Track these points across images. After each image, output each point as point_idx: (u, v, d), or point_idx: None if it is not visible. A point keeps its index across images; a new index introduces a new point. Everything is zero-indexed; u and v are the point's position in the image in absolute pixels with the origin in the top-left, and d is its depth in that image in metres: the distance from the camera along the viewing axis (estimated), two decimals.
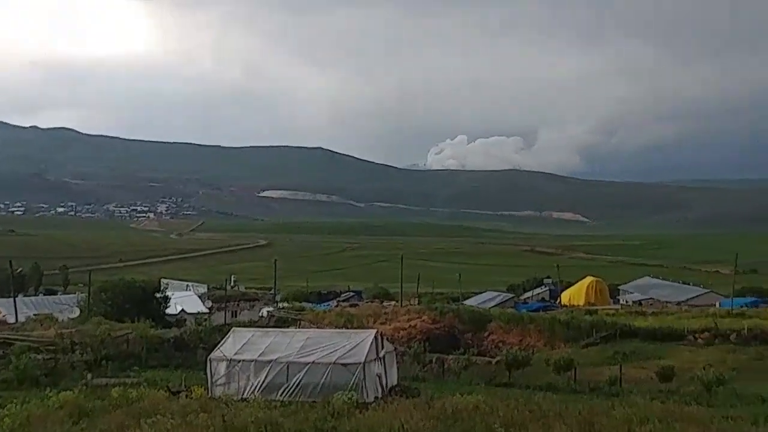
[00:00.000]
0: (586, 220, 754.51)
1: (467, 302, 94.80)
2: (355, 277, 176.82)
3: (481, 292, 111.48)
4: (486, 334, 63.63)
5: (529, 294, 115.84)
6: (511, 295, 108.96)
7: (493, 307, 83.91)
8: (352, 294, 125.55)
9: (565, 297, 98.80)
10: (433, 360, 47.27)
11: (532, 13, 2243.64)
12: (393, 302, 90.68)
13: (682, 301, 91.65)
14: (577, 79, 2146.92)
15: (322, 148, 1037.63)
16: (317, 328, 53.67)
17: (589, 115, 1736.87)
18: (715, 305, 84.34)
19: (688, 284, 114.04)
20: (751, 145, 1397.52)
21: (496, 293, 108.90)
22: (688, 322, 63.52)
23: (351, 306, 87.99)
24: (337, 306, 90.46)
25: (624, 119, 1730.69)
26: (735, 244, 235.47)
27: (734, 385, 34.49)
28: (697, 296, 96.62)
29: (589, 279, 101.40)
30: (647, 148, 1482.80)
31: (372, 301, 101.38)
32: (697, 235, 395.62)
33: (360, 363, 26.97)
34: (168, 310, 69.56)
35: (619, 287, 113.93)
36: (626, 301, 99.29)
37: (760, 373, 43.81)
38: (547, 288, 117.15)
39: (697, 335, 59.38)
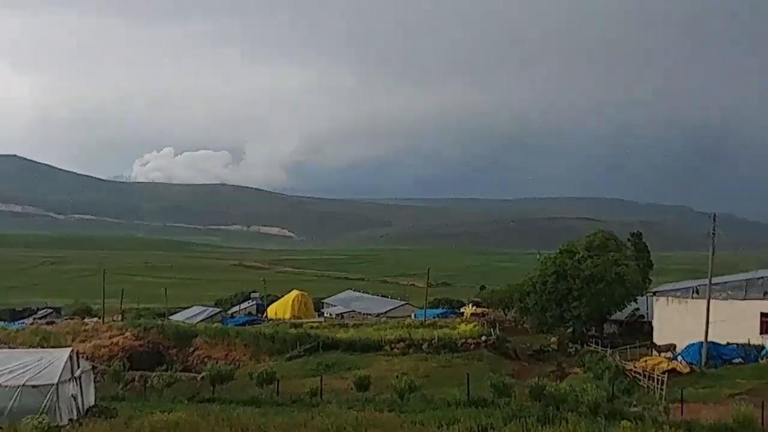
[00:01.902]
0: (292, 235, 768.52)
1: (174, 318, 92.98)
2: (54, 293, 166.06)
3: (188, 307, 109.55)
4: (192, 349, 63.02)
5: (236, 308, 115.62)
6: (218, 310, 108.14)
7: (199, 322, 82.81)
8: (50, 311, 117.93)
9: (272, 311, 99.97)
10: (136, 378, 45.93)
11: (242, 26, 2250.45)
12: (95, 319, 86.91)
13: (381, 313, 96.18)
14: (281, 97, 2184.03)
15: (17, 156, 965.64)
16: (9, 348, 49.98)
17: (295, 132, 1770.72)
18: (411, 316, 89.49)
19: (387, 297, 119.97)
20: (434, 166, 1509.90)
21: (203, 308, 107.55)
22: (386, 333, 66.96)
23: (48, 323, 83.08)
24: (32, 324, 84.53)
25: (329, 137, 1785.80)
26: (429, 259, 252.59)
27: (425, 391, 36.85)
28: (394, 308, 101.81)
29: (294, 293, 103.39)
30: (351, 166, 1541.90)
31: (72, 318, 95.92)
32: (397, 250, 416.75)
33: (52, 384, 25.60)
34: None
35: (323, 300, 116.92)
36: (330, 314, 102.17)
37: (448, 379, 47.32)
38: (255, 302, 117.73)
39: (393, 345, 62.89)
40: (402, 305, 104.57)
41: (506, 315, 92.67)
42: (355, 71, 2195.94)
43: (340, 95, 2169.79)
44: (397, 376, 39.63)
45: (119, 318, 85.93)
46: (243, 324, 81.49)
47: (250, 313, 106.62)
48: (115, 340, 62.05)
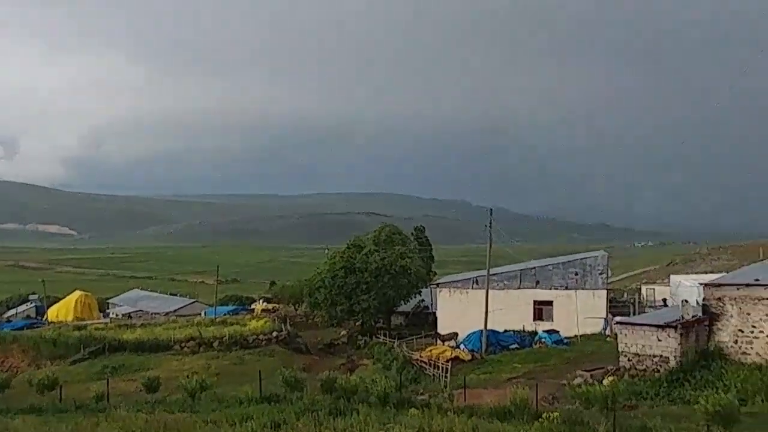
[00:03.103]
0: (73, 233, 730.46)
1: None
2: None
3: None
4: None
5: (13, 312, 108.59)
6: None
7: None
8: None
9: (53, 313, 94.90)
10: None
11: (21, 16, 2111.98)
12: None
13: (170, 312, 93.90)
14: (63, 90, 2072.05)
15: None
16: None
17: (75, 126, 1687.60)
18: (200, 314, 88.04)
19: (176, 295, 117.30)
20: (222, 161, 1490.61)
21: None
22: (176, 332, 65.67)
23: None
24: None
25: (113, 133, 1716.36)
26: (218, 256, 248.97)
27: (217, 389, 36.46)
28: (183, 306, 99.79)
29: (77, 293, 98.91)
30: (136, 162, 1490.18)
31: None
32: (185, 247, 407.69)
33: None
34: None
35: (108, 300, 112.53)
36: (116, 315, 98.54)
37: (240, 377, 47.17)
38: (33, 304, 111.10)
39: (183, 344, 61.78)
40: (191, 303, 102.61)
41: (297, 310, 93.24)
42: (142, 66, 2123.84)
43: (125, 90, 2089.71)
44: (187, 376, 38.95)
45: None
46: (21, 328, 76.88)
47: (28, 317, 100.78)
48: None
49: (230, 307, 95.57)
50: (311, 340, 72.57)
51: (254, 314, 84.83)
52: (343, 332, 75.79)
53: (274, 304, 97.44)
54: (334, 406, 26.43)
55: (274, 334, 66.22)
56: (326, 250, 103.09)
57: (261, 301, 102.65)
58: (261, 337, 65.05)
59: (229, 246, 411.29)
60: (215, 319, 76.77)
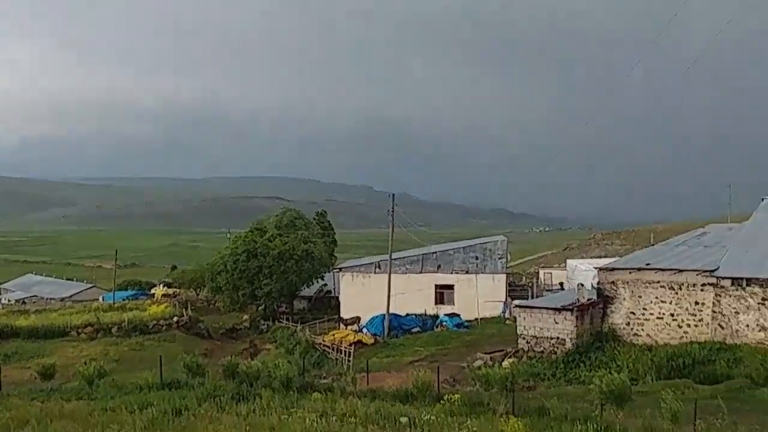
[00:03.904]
0: None
1: None
2: None
3: None
4: None
5: None
6: None
7: None
8: None
9: None
10: None
11: None
12: None
13: (66, 298, 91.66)
14: None
15: None
16: None
17: None
18: (99, 299, 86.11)
19: (72, 280, 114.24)
20: (119, 144, 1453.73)
21: None
22: (72, 318, 64.05)
23: None
24: None
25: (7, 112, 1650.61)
26: (116, 240, 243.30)
27: (115, 376, 35.79)
28: (80, 291, 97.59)
29: None
30: (26, 144, 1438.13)
31: None
32: (82, 231, 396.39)
33: None
34: None
35: (0, 286, 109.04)
36: (8, 300, 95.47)
37: (139, 363, 46.39)
38: None
39: (80, 330, 60.31)
40: (89, 288, 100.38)
41: (198, 295, 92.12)
42: (33, 47, 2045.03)
43: (20, 69, 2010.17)
44: (85, 363, 37.99)
45: None
46: None
47: None
48: None
49: (130, 292, 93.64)
50: (213, 325, 71.97)
51: (155, 299, 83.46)
52: (246, 317, 75.34)
53: (175, 289, 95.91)
54: (237, 391, 26.32)
55: (175, 319, 65.38)
56: (228, 235, 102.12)
57: (161, 285, 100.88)
58: (161, 322, 64.11)
59: (129, 230, 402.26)
60: (114, 304, 75.09)
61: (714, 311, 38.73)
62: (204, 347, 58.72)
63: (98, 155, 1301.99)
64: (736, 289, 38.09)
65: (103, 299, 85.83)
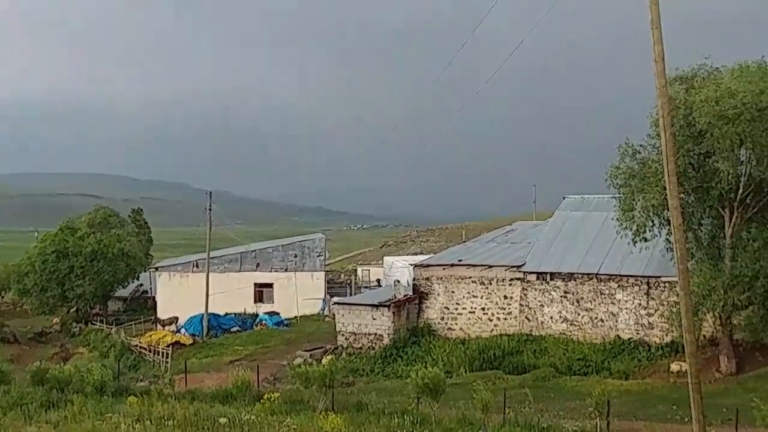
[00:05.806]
0: None
1: None
2: None
3: None
4: None
5: None
6: None
7: None
8: None
9: None
10: None
11: None
12: None
13: None
14: None
15: None
16: None
17: None
18: None
19: None
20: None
21: None
22: None
23: None
24: None
25: None
26: None
27: None
28: None
29: None
30: None
31: None
32: None
33: None
34: None
35: None
36: None
37: None
38: None
39: None
40: None
41: (3, 297, 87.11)
42: None
43: None
44: None
45: None
46: None
47: None
48: None
49: None
50: (20, 328, 68.64)
51: None
52: (56, 320, 72.13)
53: None
54: (46, 398, 25.43)
55: None
56: (36, 233, 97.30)
57: None
58: None
59: None
60: None
61: (521, 304, 41.03)
62: (10, 353, 55.82)
63: None
64: (541, 283, 40.55)
65: None
